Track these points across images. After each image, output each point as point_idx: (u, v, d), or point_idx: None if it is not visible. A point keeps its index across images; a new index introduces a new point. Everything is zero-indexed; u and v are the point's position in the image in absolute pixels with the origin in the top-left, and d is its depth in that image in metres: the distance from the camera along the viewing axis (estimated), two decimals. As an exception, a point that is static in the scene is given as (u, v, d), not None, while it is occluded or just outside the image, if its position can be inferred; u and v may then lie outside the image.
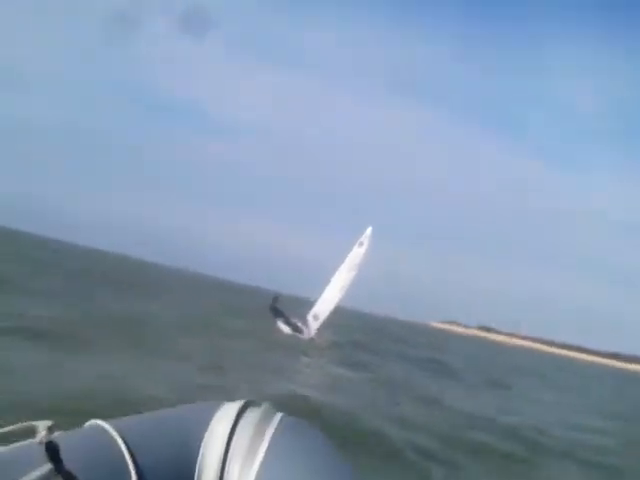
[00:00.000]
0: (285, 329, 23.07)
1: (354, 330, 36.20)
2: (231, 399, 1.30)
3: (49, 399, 6.24)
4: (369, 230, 25.31)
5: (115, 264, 65.94)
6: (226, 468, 1.19)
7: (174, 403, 1.34)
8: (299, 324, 23.47)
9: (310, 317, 24.13)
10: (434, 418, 11.23)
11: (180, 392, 8.18)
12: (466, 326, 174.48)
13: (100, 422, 1.17)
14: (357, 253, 24.84)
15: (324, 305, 24.36)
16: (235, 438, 1.20)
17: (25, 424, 0.98)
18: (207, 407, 1.28)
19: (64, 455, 0.95)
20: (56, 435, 1.00)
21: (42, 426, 0.96)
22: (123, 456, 1.11)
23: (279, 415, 1.26)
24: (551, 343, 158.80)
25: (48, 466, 0.94)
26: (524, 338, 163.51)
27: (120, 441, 1.12)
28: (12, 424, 0.99)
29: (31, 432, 0.97)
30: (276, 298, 23.91)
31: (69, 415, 2.17)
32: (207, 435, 1.21)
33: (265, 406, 1.28)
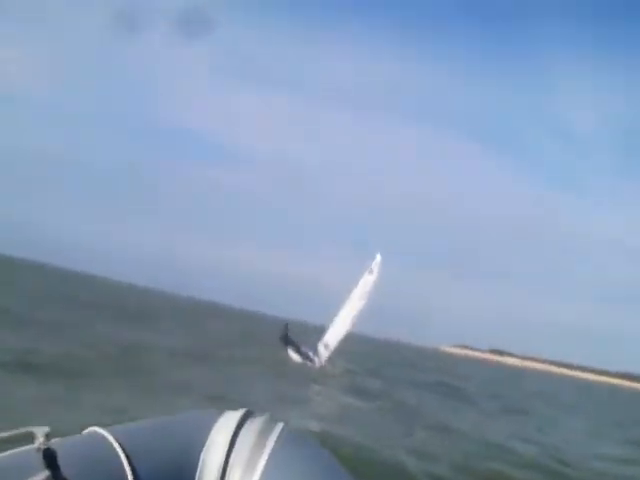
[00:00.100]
0: (295, 357, 22.97)
1: (364, 356, 35.91)
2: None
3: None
4: (378, 257, 25.17)
5: (113, 291, 66.04)
6: (226, 477, 1.19)
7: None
8: (310, 353, 23.39)
9: (321, 346, 24.02)
10: (449, 447, 10.82)
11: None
12: (478, 350, 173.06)
13: (98, 429, 1.17)
14: (367, 281, 24.75)
15: (335, 334, 24.28)
16: (236, 447, 1.20)
17: (23, 430, 0.98)
18: (207, 415, 1.27)
19: (62, 462, 0.95)
20: (54, 441, 0.99)
21: (40, 432, 0.96)
22: (121, 464, 1.11)
23: (280, 425, 1.25)
24: (564, 365, 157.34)
25: (45, 473, 0.93)
26: (537, 360, 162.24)
27: (118, 448, 1.12)
28: (10, 430, 0.98)
29: (29, 438, 0.97)
30: (286, 327, 23.72)
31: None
32: (207, 444, 1.21)
33: (266, 416, 1.28)
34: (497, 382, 44.68)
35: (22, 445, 1.01)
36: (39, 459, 0.93)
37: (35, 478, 0.93)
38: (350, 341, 25.44)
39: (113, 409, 8.17)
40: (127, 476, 1.10)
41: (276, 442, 1.20)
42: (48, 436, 0.96)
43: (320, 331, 25.08)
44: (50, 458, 0.94)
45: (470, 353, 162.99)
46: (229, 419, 1.24)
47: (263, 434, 1.21)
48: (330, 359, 23.69)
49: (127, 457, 1.11)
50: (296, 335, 23.92)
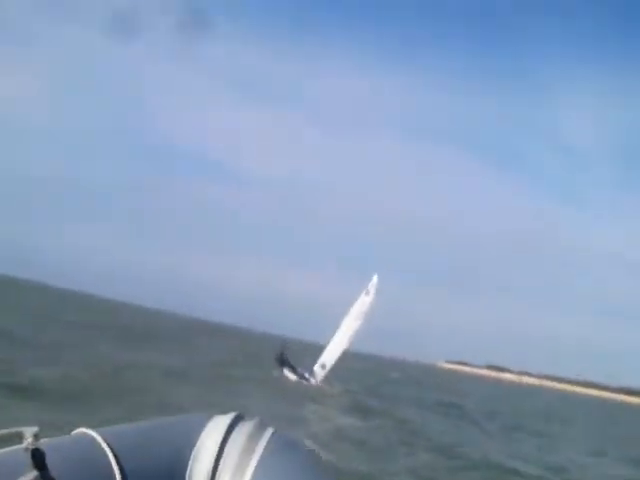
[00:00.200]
0: (292, 377, 23.24)
1: (362, 373, 35.70)
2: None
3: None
4: (375, 278, 25.57)
5: (114, 310, 65.88)
6: None
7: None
8: (305, 374, 23.71)
9: (317, 367, 24.37)
10: (454, 471, 10.48)
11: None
12: (475, 366, 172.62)
13: (87, 430, 1.16)
14: (364, 302, 25.15)
15: (331, 353, 24.66)
16: (225, 452, 1.19)
17: (12, 430, 0.97)
18: (197, 419, 1.26)
19: (50, 462, 0.95)
20: (43, 442, 0.99)
21: (29, 432, 0.96)
22: (110, 465, 1.10)
23: (270, 430, 1.24)
24: (563, 380, 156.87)
25: (34, 473, 0.94)
26: (535, 376, 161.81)
27: (107, 450, 1.11)
28: None
29: (17, 438, 0.96)
30: (283, 347, 24.00)
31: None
32: (197, 447, 1.20)
33: (256, 421, 1.26)
34: (496, 399, 44.23)
35: (10, 445, 0.99)
36: (27, 459, 0.93)
37: (23, 478, 0.93)
38: (348, 358, 25.48)
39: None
40: (115, 477, 1.09)
41: (266, 447, 1.19)
42: (37, 436, 0.96)
43: (318, 349, 25.21)
44: (38, 458, 0.94)
45: (468, 369, 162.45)
46: (219, 423, 1.23)
47: (253, 438, 1.20)
48: (327, 378, 23.85)
49: (116, 458, 1.10)
50: (294, 355, 24.08)
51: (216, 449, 1.19)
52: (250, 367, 23.70)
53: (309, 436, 11.63)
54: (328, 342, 25.14)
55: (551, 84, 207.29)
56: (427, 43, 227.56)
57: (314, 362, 24.57)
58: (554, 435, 21.88)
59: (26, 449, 0.94)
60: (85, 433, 1.16)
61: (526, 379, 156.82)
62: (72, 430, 1.18)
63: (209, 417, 1.26)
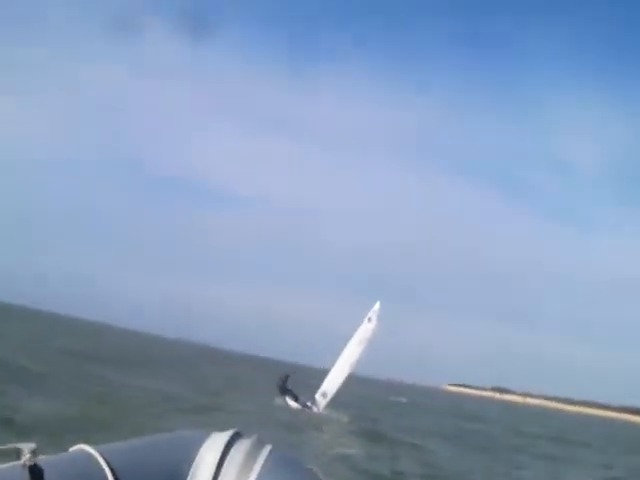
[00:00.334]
0: (293, 404, 23.21)
1: (368, 399, 35.18)
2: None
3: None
4: (377, 305, 25.35)
5: (110, 336, 65.92)
6: None
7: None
8: (308, 402, 23.63)
9: (319, 395, 24.18)
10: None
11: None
12: (480, 388, 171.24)
13: (85, 447, 1.14)
14: (366, 328, 24.87)
15: (333, 381, 24.49)
16: (224, 469, 1.17)
17: (9, 446, 0.97)
18: (196, 436, 1.24)
19: (48, 479, 0.96)
20: (41, 458, 0.99)
21: (27, 448, 0.96)
22: None
23: (268, 448, 1.23)
24: (566, 401, 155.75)
25: None
26: (538, 397, 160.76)
27: (105, 466, 1.10)
28: None
29: (15, 454, 0.96)
30: (286, 378, 23.84)
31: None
32: (195, 464, 1.18)
33: (254, 438, 1.25)
34: (499, 419, 42.94)
35: (8, 461, 0.98)
36: (25, 475, 0.95)
37: None
38: (352, 383, 25.20)
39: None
40: None
41: (264, 464, 1.17)
42: (35, 452, 0.97)
43: (321, 374, 25.05)
44: (36, 475, 0.95)
45: (472, 392, 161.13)
46: (217, 440, 1.21)
47: (251, 456, 1.19)
48: (331, 404, 23.68)
49: (114, 475, 1.09)
50: (296, 384, 23.95)
51: (214, 466, 1.16)
52: (250, 394, 23.62)
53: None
54: (330, 369, 24.95)
55: (549, 105, 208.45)
56: (427, 67, 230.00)
57: (317, 389, 24.22)
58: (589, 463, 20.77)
59: (24, 465, 0.94)
60: (83, 450, 1.13)
61: (530, 400, 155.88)
62: (70, 447, 1.14)
63: (207, 434, 1.23)
